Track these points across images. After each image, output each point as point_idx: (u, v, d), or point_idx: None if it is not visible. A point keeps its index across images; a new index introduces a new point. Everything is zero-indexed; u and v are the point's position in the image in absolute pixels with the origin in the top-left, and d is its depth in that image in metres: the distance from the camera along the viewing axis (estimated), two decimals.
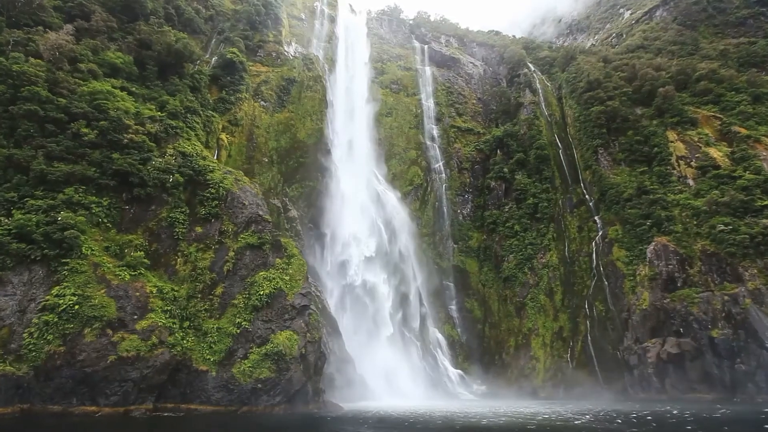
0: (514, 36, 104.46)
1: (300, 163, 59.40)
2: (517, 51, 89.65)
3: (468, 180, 71.04)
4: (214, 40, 67.53)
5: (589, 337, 48.83)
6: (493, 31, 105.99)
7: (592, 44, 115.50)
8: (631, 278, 49.03)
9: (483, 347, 56.38)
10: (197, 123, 48.23)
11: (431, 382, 49.74)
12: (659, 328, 44.98)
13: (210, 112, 52.92)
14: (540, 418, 28.41)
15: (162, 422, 24.97)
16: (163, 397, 27.58)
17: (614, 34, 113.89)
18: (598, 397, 44.19)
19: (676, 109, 61.56)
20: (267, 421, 26.52)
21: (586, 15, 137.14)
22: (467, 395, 49.67)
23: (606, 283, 51.25)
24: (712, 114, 61.65)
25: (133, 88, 43.81)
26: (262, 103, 61.87)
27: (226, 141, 54.18)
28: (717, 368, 40.76)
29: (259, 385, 28.13)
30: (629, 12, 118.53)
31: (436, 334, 54.63)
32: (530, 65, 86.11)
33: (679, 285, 46.19)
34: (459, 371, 52.50)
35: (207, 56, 63.95)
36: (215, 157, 50.81)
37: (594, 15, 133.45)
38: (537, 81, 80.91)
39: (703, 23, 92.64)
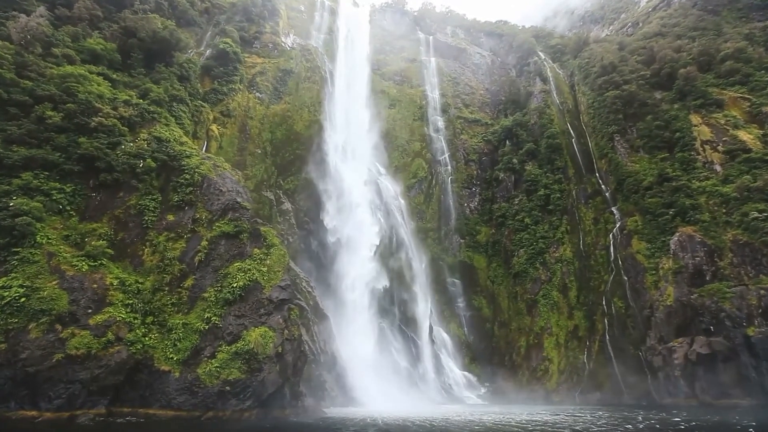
0: (523, 26, 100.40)
1: (296, 155, 56.76)
2: (526, 39, 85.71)
3: (475, 172, 67.30)
4: (209, 32, 65.45)
5: (607, 337, 44.61)
6: (502, 20, 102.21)
7: (607, 35, 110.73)
8: (653, 272, 45.01)
9: (491, 347, 52.39)
10: (184, 112, 45.87)
11: (435, 385, 46.08)
12: (686, 327, 40.68)
13: (199, 102, 50.61)
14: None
15: (109, 429, 22.00)
16: (120, 401, 24.61)
17: (630, 24, 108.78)
18: (618, 402, 39.90)
19: (699, 91, 57.06)
20: (233, 428, 23.33)
21: (600, 6, 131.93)
22: (474, 399, 45.89)
23: (625, 277, 47.10)
24: (740, 95, 56.84)
25: (114, 76, 41.55)
26: (258, 94, 59.40)
27: (216, 132, 51.75)
28: (754, 370, 36.28)
29: (228, 388, 24.95)
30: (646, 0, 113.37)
31: (440, 334, 50.91)
32: (540, 53, 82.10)
33: (707, 279, 41.91)
34: (465, 373, 48.74)
35: (202, 48, 61.94)
36: (204, 148, 48.46)
37: (608, 5, 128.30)
38: (548, 69, 76.87)
39: (726, 7, 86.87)
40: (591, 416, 30.16)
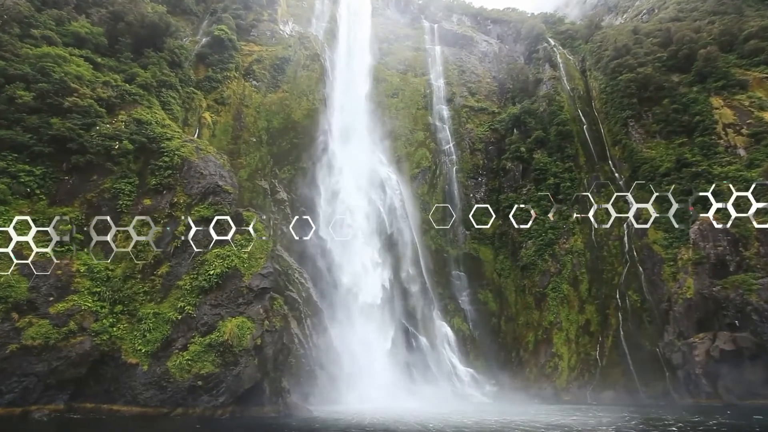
0: (532, 13, 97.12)
1: (293, 144, 54.66)
2: (535, 25, 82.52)
3: (481, 162, 64.42)
4: (206, 20, 63.92)
5: (621, 332, 41.60)
6: (510, 8, 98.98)
7: (620, 23, 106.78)
8: (672, 263, 41.96)
9: (498, 343, 49.58)
10: (173, 98, 44.17)
11: (437, 382, 43.57)
12: (708, 321, 37.60)
13: (191, 89, 48.95)
14: None
15: (64, 427, 20.05)
16: (82, 396, 22.70)
17: (645, 11, 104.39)
18: (634, 402, 36.89)
19: (720, 72, 53.73)
20: (201, 427, 21.18)
21: None
22: (478, 397, 43.21)
23: (641, 269, 44.09)
24: (765, 75, 53.30)
25: (99, 60, 39.90)
26: (254, 82, 57.52)
27: (209, 120, 49.97)
28: None
29: (199, 382, 22.87)
30: None
31: (443, 328, 48.29)
32: (550, 40, 78.80)
33: (731, 270, 38.79)
34: (469, 370, 46.01)
35: (198, 37, 60.43)
36: (196, 136, 46.63)
37: None
38: (558, 55, 73.63)
39: None
40: (630, 419, 26.76)
